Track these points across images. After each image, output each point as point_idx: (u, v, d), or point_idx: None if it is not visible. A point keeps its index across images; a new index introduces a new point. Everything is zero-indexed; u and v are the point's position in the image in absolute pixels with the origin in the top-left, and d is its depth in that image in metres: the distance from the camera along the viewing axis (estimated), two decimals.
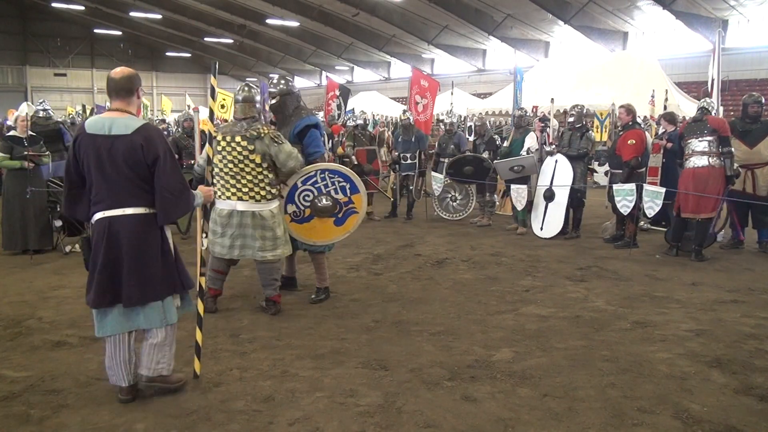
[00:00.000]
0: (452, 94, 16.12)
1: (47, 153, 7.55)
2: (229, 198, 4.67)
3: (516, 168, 8.36)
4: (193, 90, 39.49)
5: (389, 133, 13.42)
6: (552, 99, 9.85)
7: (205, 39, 37.48)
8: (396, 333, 4.48)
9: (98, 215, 3.21)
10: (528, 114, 9.87)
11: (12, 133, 7.42)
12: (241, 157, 4.57)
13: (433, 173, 9.62)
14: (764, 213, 7.04)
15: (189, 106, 18.98)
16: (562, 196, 7.99)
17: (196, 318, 3.69)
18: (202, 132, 6.99)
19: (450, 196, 9.75)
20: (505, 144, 9.40)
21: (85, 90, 41.76)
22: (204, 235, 3.99)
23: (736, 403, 3.33)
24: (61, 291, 5.59)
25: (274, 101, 5.08)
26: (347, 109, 13.24)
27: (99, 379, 3.61)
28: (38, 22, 39.80)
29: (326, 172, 4.96)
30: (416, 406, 3.30)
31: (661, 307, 5.09)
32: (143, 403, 3.33)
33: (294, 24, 31.52)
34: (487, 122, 11.38)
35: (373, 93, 24.62)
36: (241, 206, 4.65)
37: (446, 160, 9.50)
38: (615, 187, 7.27)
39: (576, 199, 8.03)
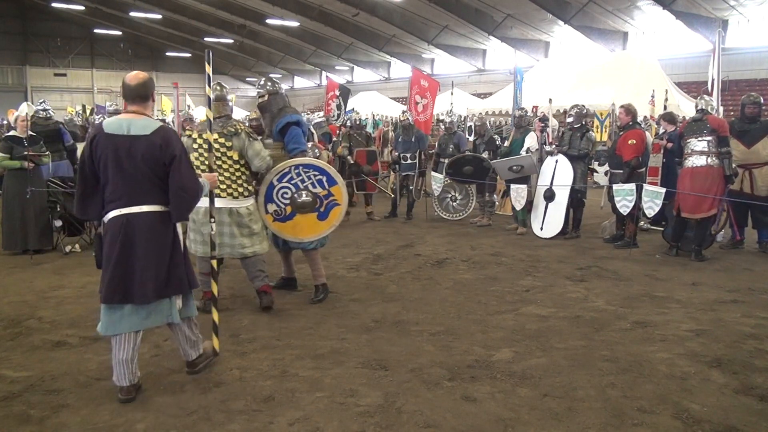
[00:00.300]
0: (452, 94, 16.10)
1: (47, 153, 7.56)
2: (205, 195, 4.68)
3: (515, 168, 8.36)
4: (193, 90, 39.44)
5: (393, 132, 13.40)
6: (550, 99, 9.86)
7: (205, 39, 37.41)
8: (396, 333, 4.48)
9: (114, 212, 3.30)
10: (528, 114, 9.87)
11: (12, 133, 7.42)
12: (218, 154, 4.59)
13: (433, 173, 9.61)
14: (764, 213, 7.04)
15: (189, 106, 18.97)
16: (562, 196, 8.00)
17: (213, 301, 3.92)
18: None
19: (450, 196, 9.75)
20: (506, 144, 9.40)
21: (85, 90, 41.73)
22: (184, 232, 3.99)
23: (736, 403, 3.33)
24: (61, 291, 5.60)
25: (262, 100, 5.19)
26: (347, 109, 13.24)
27: (99, 379, 3.62)
28: (38, 22, 39.75)
29: (300, 167, 4.93)
30: (416, 406, 3.30)
31: (661, 307, 5.08)
32: (143, 403, 3.33)
33: (294, 24, 31.53)
34: (487, 122, 11.36)
35: (373, 93, 24.60)
36: (218, 203, 4.63)
37: (446, 160, 9.50)
38: (615, 187, 7.28)
39: (576, 200, 8.04)
